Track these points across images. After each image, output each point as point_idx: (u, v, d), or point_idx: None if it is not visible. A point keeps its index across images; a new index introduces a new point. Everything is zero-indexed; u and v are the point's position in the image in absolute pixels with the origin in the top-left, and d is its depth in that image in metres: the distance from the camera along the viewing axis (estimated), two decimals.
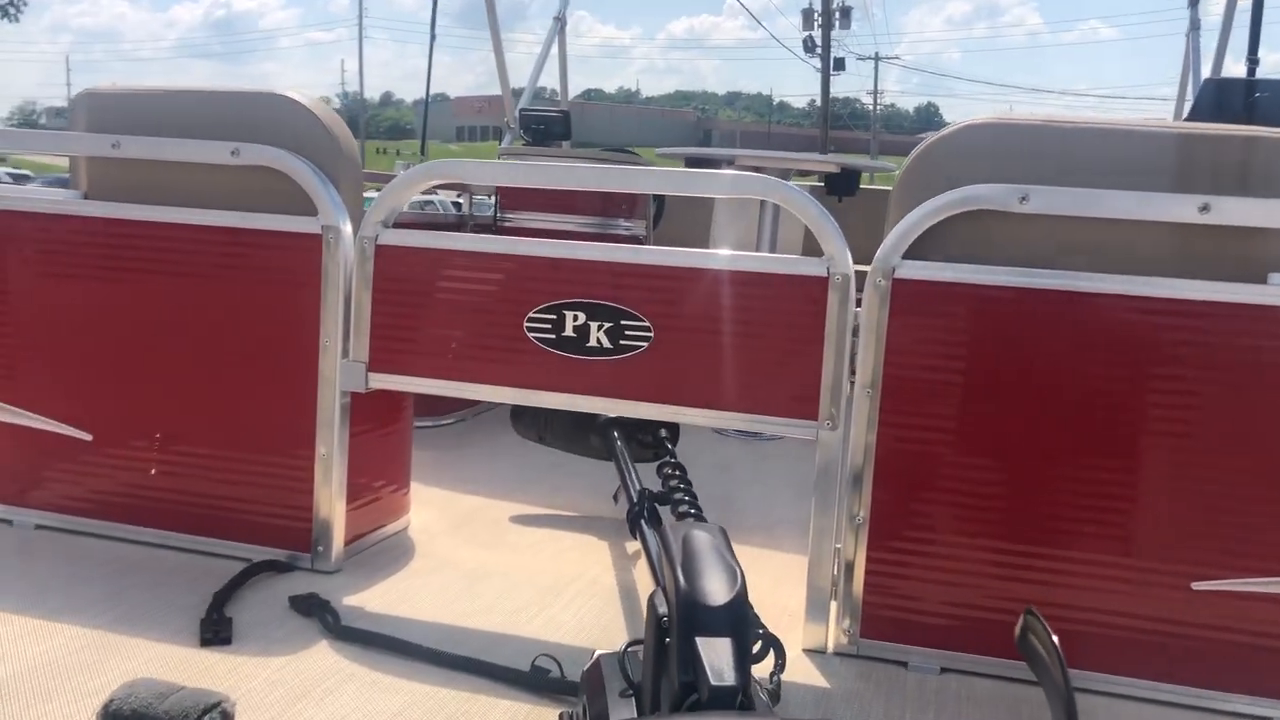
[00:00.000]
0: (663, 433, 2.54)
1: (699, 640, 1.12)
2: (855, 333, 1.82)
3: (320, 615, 1.86)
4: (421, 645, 1.76)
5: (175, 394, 2.15)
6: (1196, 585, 1.71)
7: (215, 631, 1.77)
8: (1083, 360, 1.73)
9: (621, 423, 2.54)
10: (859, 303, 1.82)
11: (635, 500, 1.98)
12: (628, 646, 1.34)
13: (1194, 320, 1.69)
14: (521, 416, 2.69)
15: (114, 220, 2.15)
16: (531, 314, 1.95)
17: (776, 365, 1.85)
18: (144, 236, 2.14)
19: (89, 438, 2.20)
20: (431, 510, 2.53)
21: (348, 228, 2.04)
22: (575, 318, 1.93)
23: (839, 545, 1.87)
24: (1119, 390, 1.72)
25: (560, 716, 1.41)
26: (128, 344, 2.16)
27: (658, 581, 1.32)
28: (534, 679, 1.67)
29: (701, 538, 1.28)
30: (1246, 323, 1.68)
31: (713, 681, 1.07)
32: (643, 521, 1.92)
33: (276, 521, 2.12)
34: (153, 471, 2.18)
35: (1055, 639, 1.00)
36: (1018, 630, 1.07)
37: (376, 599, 1.99)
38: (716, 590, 1.17)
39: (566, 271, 1.94)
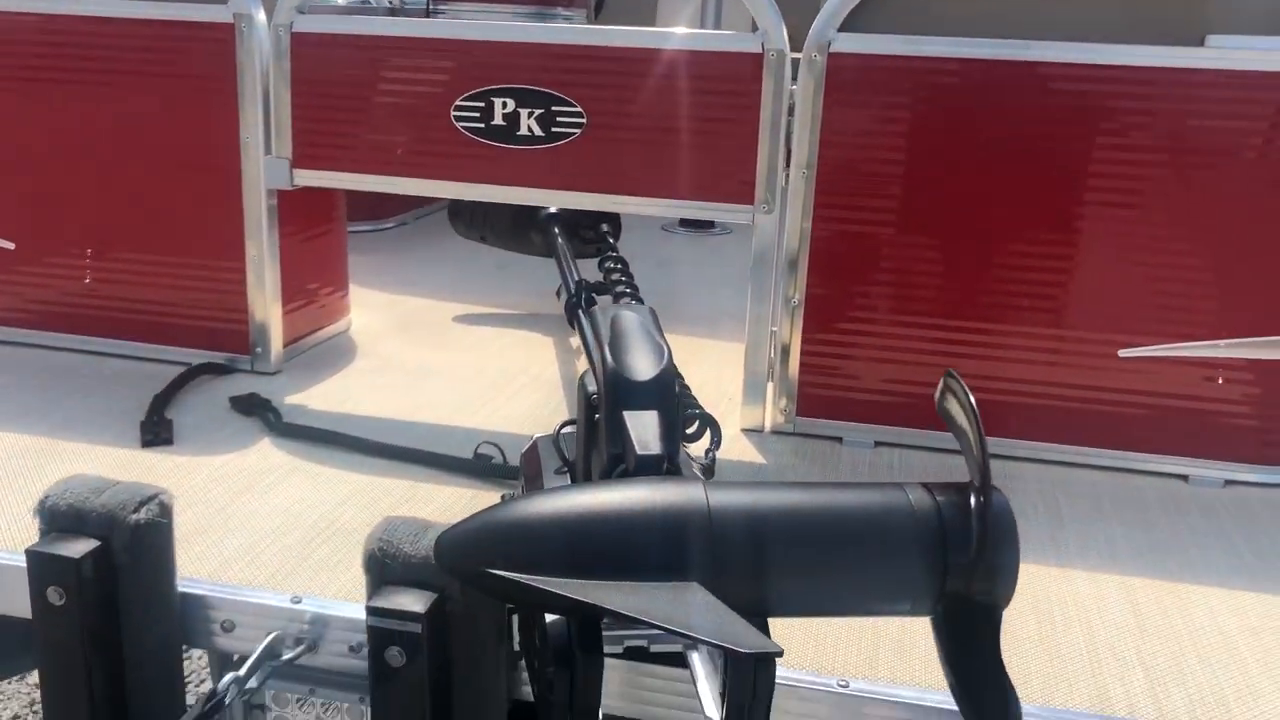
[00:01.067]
0: (604, 227, 2.52)
1: (626, 414, 1.13)
2: (792, 112, 1.78)
3: (261, 414, 1.86)
4: (365, 438, 1.77)
5: (99, 199, 2.08)
6: (1123, 353, 1.75)
7: (156, 433, 1.77)
8: (1021, 132, 1.71)
9: (561, 218, 2.51)
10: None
11: (573, 291, 1.97)
12: (561, 427, 1.35)
13: (1132, 87, 1.67)
14: (460, 215, 2.64)
15: (21, 14, 2.02)
16: (458, 102, 1.88)
17: (711, 148, 1.81)
18: (46, 32, 2.02)
19: (11, 246, 2.14)
20: (373, 313, 2.51)
21: (261, 15, 1.94)
22: (504, 105, 1.87)
23: (775, 329, 1.88)
24: (1056, 161, 1.71)
25: (501, 498, 1.44)
26: (43, 149, 2.07)
27: (591, 364, 1.32)
28: (476, 466, 1.70)
29: (629, 317, 1.27)
30: (1184, 88, 1.66)
31: (639, 451, 1.09)
32: (580, 311, 1.91)
33: (213, 325, 2.09)
34: (87, 280, 2.13)
35: (972, 398, 1.01)
36: (937, 394, 1.09)
37: (318, 398, 1.99)
38: (643, 366, 1.17)
39: (492, 55, 1.86)
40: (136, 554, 1.25)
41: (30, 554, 1.23)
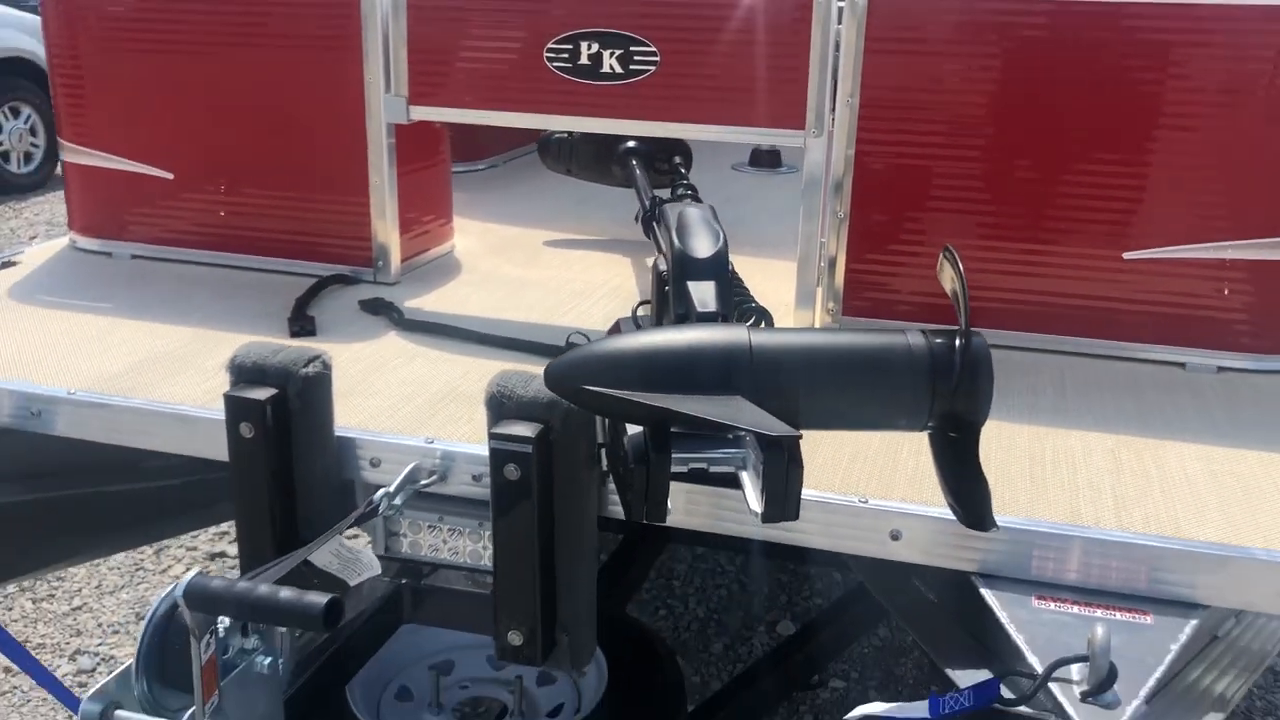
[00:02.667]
0: (676, 159, 2.81)
1: (689, 284, 1.44)
2: (838, 49, 2.05)
3: (387, 313, 2.21)
4: (474, 330, 2.11)
5: (242, 137, 2.43)
6: (1127, 255, 2.00)
7: (302, 325, 2.12)
8: (1039, 63, 1.96)
9: (638, 151, 2.81)
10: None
11: (648, 206, 2.27)
12: (637, 306, 1.67)
13: (1142, 22, 1.91)
14: (549, 150, 2.95)
15: None
16: (550, 45, 2.19)
17: (767, 81, 2.09)
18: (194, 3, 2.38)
19: (170, 176, 2.50)
20: (472, 238, 2.84)
21: None
22: (589, 46, 2.16)
23: (823, 240, 2.16)
24: (1072, 89, 1.96)
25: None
26: (198, 95, 2.43)
27: (660, 250, 1.62)
28: (569, 349, 2.02)
29: (693, 211, 1.58)
30: (1189, 21, 1.90)
31: (699, 309, 1.39)
32: (654, 222, 2.21)
33: (340, 245, 2.44)
34: (221, 213, 2.49)
35: (962, 266, 1.29)
36: (938, 266, 1.37)
37: (431, 303, 2.33)
38: (703, 247, 1.48)
39: (579, 3, 2.16)
40: (305, 400, 1.60)
41: (227, 398, 1.58)
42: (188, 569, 3.77)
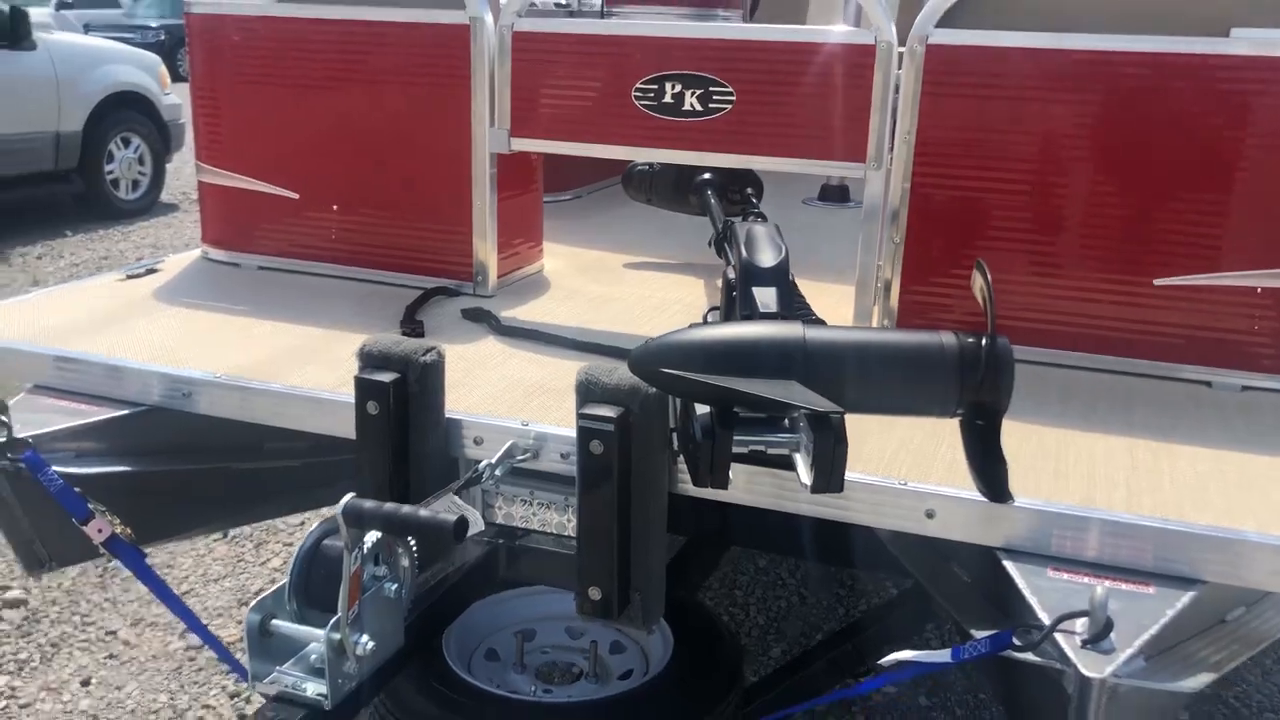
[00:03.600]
0: (749, 190, 3.06)
1: (754, 289, 1.68)
2: (898, 90, 2.28)
3: (486, 320, 2.47)
4: (562, 336, 2.36)
5: (363, 163, 2.73)
6: (1158, 282, 2.20)
7: (411, 328, 2.40)
8: (1081, 109, 2.17)
9: (713, 182, 3.06)
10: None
11: (720, 229, 2.51)
12: (708, 311, 1.91)
13: (1177, 68, 2.11)
14: (631, 181, 3.22)
15: (307, 20, 2.69)
16: (637, 85, 2.45)
17: (833, 118, 2.33)
18: (328, 32, 2.68)
19: (296, 197, 2.81)
20: (560, 260, 3.11)
21: (489, 17, 2.55)
22: (673, 86, 2.42)
23: (880, 263, 2.38)
24: (1111, 133, 2.16)
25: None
26: (324, 125, 2.73)
27: (728, 261, 1.85)
28: None
29: (759, 228, 1.82)
30: (1221, 71, 2.10)
31: (761, 310, 1.63)
32: (725, 243, 2.45)
33: (444, 261, 2.71)
34: (338, 231, 2.78)
35: (989, 276, 1.50)
36: (972, 278, 1.58)
37: (524, 313, 2.59)
38: (767, 257, 1.71)
39: (664, 48, 2.42)
40: (422, 384, 1.86)
41: (357, 379, 1.85)
42: (285, 562, 4.07)
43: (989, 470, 1.51)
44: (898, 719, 3.20)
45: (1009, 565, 1.62)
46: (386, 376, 1.84)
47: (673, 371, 1.48)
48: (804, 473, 1.57)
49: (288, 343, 2.32)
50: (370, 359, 1.87)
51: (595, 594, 1.76)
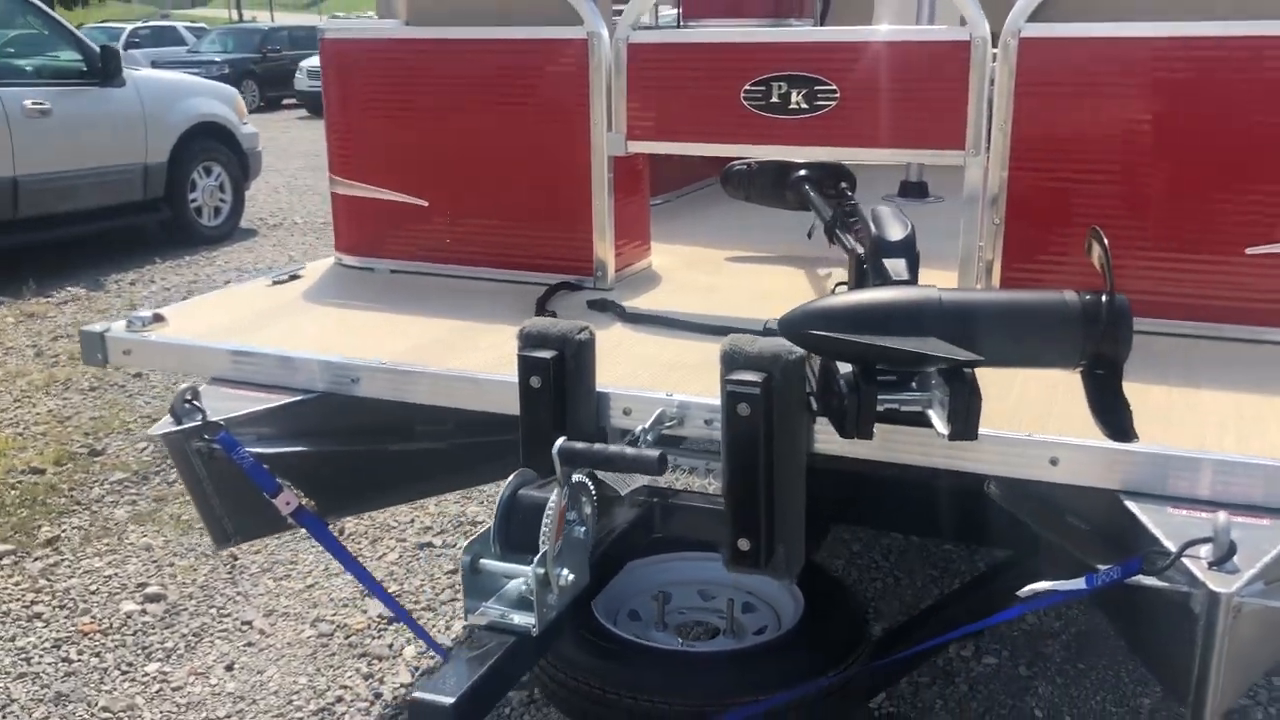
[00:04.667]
0: (843, 184, 3.23)
1: (885, 260, 1.85)
2: (993, 82, 2.44)
3: (613, 309, 2.67)
4: (685, 320, 2.54)
5: (489, 170, 2.95)
6: (1249, 250, 2.34)
7: (550, 318, 2.60)
8: (1165, 98, 2.32)
9: (810, 177, 3.24)
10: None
11: (832, 216, 2.68)
12: (836, 285, 2.08)
13: (1251, 52, 2.26)
14: (730, 180, 3.40)
15: (434, 40, 2.92)
16: (746, 87, 2.64)
17: (933, 110, 2.50)
18: (454, 52, 2.90)
19: (426, 204, 3.03)
20: (665, 256, 3.30)
21: (605, 31, 2.75)
22: (779, 87, 2.61)
23: (981, 244, 2.54)
24: (1196, 119, 2.31)
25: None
26: (453, 136, 2.95)
27: (857, 239, 2.03)
28: (767, 332, 2.44)
29: (885, 208, 1.99)
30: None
31: (894, 278, 1.80)
32: (837, 230, 2.63)
33: (565, 260, 2.92)
34: (467, 234, 3.00)
35: (1106, 241, 1.66)
36: (1086, 243, 1.74)
37: (643, 302, 2.78)
38: (896, 232, 1.89)
39: (771, 52, 2.61)
40: (577, 361, 2.05)
41: (521, 357, 2.04)
42: (400, 556, 4.31)
43: (1113, 415, 1.67)
44: (1000, 688, 3.34)
45: (1131, 505, 1.77)
46: (547, 354, 2.03)
47: (823, 333, 1.66)
48: (940, 424, 1.74)
49: (434, 334, 2.53)
50: (530, 339, 2.07)
51: (744, 545, 1.94)
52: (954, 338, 1.63)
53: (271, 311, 2.76)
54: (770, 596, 2.42)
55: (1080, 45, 2.37)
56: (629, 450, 1.59)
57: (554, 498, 1.52)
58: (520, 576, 1.56)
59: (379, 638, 3.74)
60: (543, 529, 1.54)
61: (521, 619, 1.57)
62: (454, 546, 4.40)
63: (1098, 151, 2.40)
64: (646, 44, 2.73)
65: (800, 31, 2.60)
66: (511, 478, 1.67)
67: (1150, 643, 1.81)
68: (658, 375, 2.23)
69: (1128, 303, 1.65)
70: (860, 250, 1.95)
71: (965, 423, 1.67)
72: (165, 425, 2.19)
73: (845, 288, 2.06)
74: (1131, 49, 2.33)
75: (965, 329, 1.64)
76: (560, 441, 1.44)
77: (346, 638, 3.75)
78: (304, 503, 2.16)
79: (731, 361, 1.92)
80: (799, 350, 1.91)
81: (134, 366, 3.43)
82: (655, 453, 1.57)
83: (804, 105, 2.60)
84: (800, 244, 3.22)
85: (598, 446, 1.58)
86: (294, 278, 3.08)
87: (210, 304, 2.82)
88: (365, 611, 3.90)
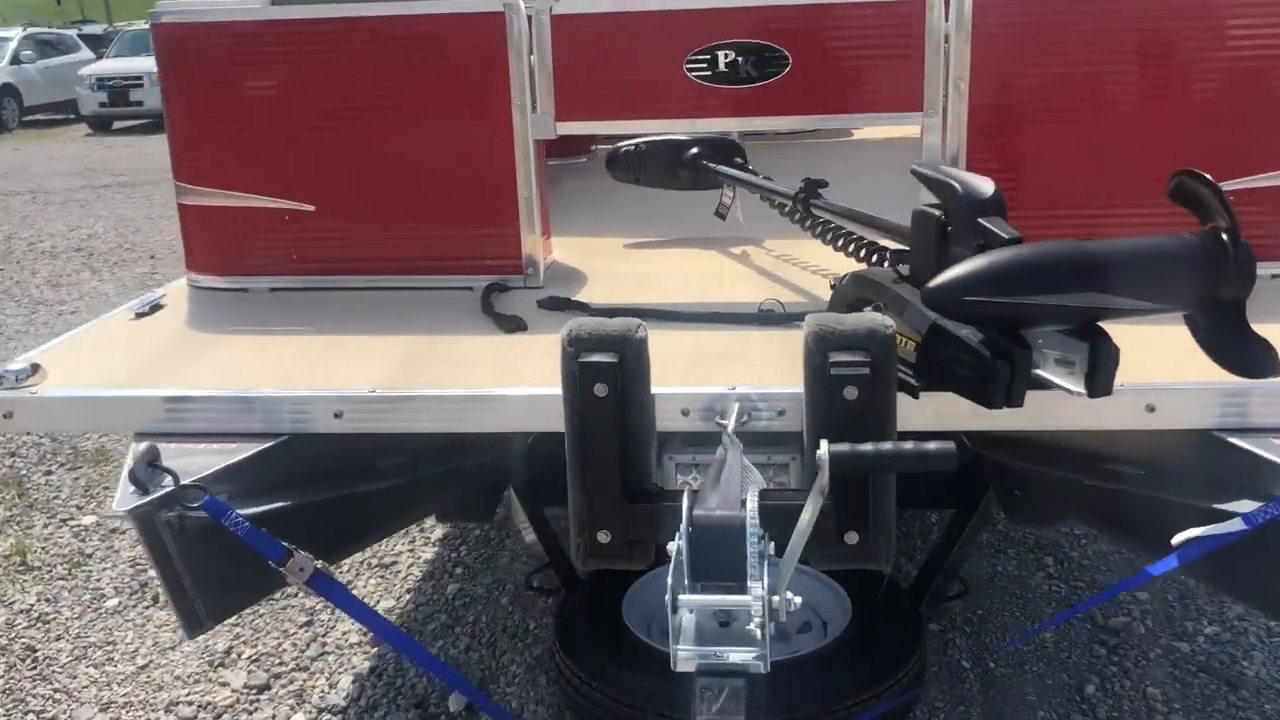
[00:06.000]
0: (738, 160, 3.14)
1: (982, 220, 1.77)
2: (948, 40, 2.42)
3: (574, 308, 2.43)
4: (671, 310, 2.35)
5: (391, 166, 2.61)
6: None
7: (515, 323, 2.33)
8: (1122, 45, 2.38)
9: (707, 154, 3.12)
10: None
11: (800, 192, 2.56)
12: (894, 255, 1.98)
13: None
14: (618, 162, 3.22)
15: (317, 20, 2.54)
16: (689, 56, 2.48)
17: (888, 71, 2.45)
18: (344, 33, 2.54)
19: (312, 209, 2.64)
20: (559, 249, 3.05)
21: (523, 2, 2.50)
22: (726, 55, 2.47)
23: None
24: (1156, 59, 2.38)
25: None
26: (344, 129, 2.59)
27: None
28: (765, 317, 2.30)
29: (951, 169, 1.91)
30: None
31: (1004, 235, 1.72)
32: (811, 204, 2.52)
33: (488, 259, 2.63)
34: (365, 240, 2.64)
35: (1216, 184, 1.65)
36: (1172, 186, 1.72)
37: (585, 297, 2.55)
38: (986, 188, 1.80)
39: (714, 18, 2.46)
40: (638, 361, 1.83)
41: (583, 364, 1.79)
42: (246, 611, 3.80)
43: (1246, 352, 1.66)
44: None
45: (1236, 440, 1.79)
46: (610, 357, 1.80)
47: (984, 299, 1.55)
48: (1070, 383, 1.68)
49: (393, 354, 2.20)
50: (581, 343, 1.82)
51: (853, 539, 1.80)
52: (1107, 288, 1.57)
53: (169, 348, 2.31)
54: (820, 600, 2.28)
55: (1037, 5, 2.39)
56: (918, 446, 1.41)
57: (808, 511, 1.32)
58: (740, 606, 1.34)
59: (255, 711, 3.28)
60: (792, 546, 1.33)
61: (739, 655, 1.36)
62: (294, 597, 3.94)
63: (1054, 111, 2.43)
64: (573, 14, 2.50)
65: None
66: (685, 497, 1.45)
67: None
68: (685, 370, 2.04)
69: (1249, 243, 1.65)
70: (936, 214, 1.85)
71: (1107, 379, 1.62)
72: (130, 497, 1.76)
73: (891, 264, 1.97)
74: (1087, 3, 2.38)
75: (1117, 279, 1.59)
76: (829, 447, 1.25)
77: (216, 718, 3.26)
78: (320, 565, 1.80)
79: (823, 342, 1.77)
80: (891, 324, 1.79)
81: (15, 430, 2.78)
82: (948, 445, 1.40)
83: (754, 73, 2.47)
84: (695, 224, 3.11)
85: (881, 447, 1.39)
86: (158, 307, 2.60)
87: (83, 346, 2.32)
88: (227, 684, 3.41)
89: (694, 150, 3.12)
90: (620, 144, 3.18)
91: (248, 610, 3.77)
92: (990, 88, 2.43)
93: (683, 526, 1.41)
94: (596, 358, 1.80)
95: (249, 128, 2.62)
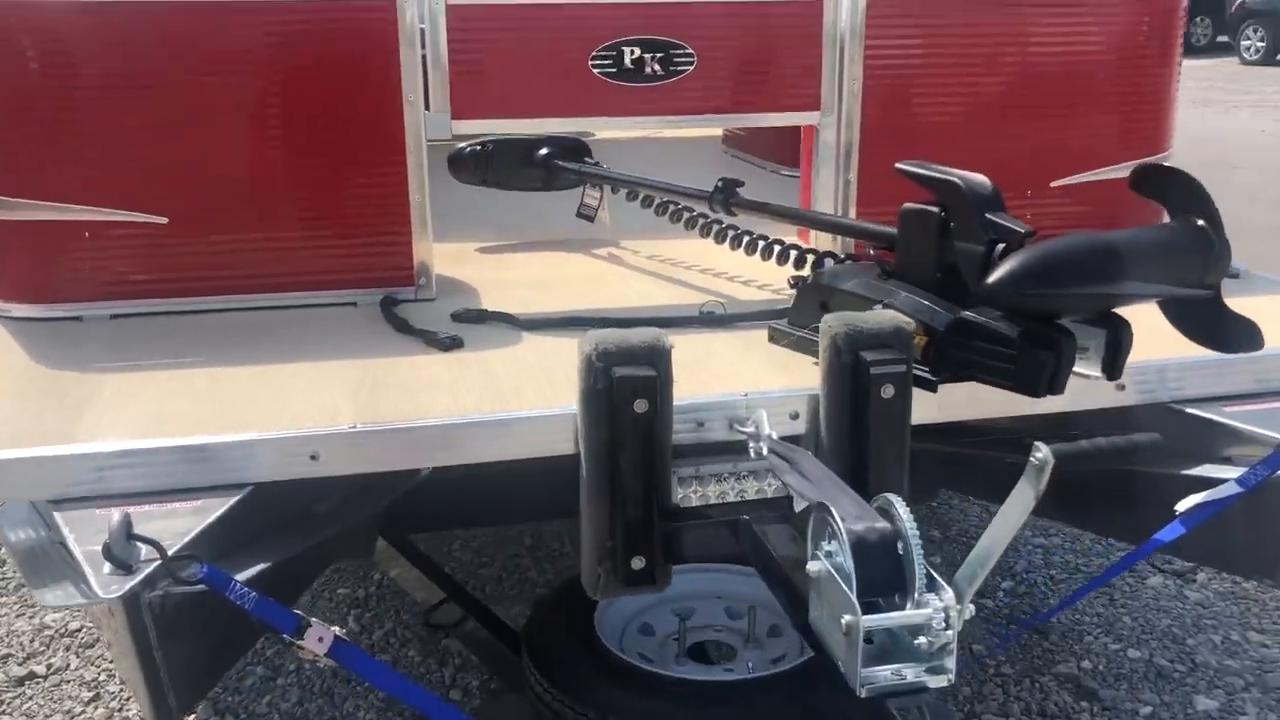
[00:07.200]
0: (587, 159, 3.05)
1: (991, 215, 1.82)
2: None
3: (496, 319, 2.25)
4: (611, 316, 2.22)
5: (257, 170, 2.30)
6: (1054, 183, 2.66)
7: (451, 339, 2.13)
8: (1003, 52, 2.53)
9: (559, 154, 3.01)
10: None
11: (719, 190, 2.50)
12: (871, 250, 1.99)
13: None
14: (462, 163, 3.03)
15: (175, 3, 2.19)
16: (594, 52, 2.37)
17: (786, 69, 2.46)
18: (207, 19, 2.21)
19: (164, 221, 2.28)
20: None
21: None
22: (632, 52, 2.38)
23: (838, 199, 2.57)
24: (1036, 55, 2.54)
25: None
26: (205, 130, 2.25)
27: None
28: (705, 317, 2.25)
29: (940, 167, 1.94)
30: None
31: (1018, 230, 1.78)
32: (730, 202, 2.47)
33: (376, 270, 2.39)
34: (228, 255, 2.32)
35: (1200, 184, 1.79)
36: (1135, 177, 1.86)
37: (496, 306, 2.37)
38: (985, 185, 1.85)
39: (619, 13, 2.37)
40: (669, 374, 1.73)
41: (620, 378, 1.66)
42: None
43: (1232, 330, 1.82)
44: None
45: (1195, 411, 1.97)
46: (648, 370, 1.69)
47: (1051, 291, 1.60)
48: (1088, 368, 1.77)
49: (322, 383, 1.95)
50: (611, 356, 1.69)
51: None
52: (1137, 276, 1.67)
53: (32, 394, 1.91)
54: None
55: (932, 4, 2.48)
56: (1129, 439, 1.40)
57: (1017, 506, 1.26)
58: (919, 621, 1.29)
59: None
60: (990, 550, 1.30)
61: (913, 672, 1.31)
62: (66, 669, 3.41)
63: (945, 108, 2.54)
64: (471, 4, 2.32)
65: None
66: (837, 511, 1.37)
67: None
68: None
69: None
70: (935, 211, 1.87)
71: (1118, 361, 1.73)
72: (113, 579, 1.44)
73: (865, 264, 1.99)
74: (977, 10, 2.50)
75: (1141, 266, 1.69)
76: (1046, 448, 1.20)
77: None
78: (340, 632, 1.56)
79: (854, 341, 1.76)
80: (911, 321, 1.81)
81: None
82: (1154, 435, 1.40)
83: (660, 71, 2.41)
84: (551, 224, 3.01)
85: (1097, 442, 1.36)
86: None
87: None
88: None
89: (545, 150, 3.00)
90: (464, 144, 2.99)
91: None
92: (883, 88, 2.50)
93: (841, 543, 1.34)
94: (632, 371, 1.68)
95: (80, 128, 2.22)
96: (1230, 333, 1.83)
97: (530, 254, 2.92)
